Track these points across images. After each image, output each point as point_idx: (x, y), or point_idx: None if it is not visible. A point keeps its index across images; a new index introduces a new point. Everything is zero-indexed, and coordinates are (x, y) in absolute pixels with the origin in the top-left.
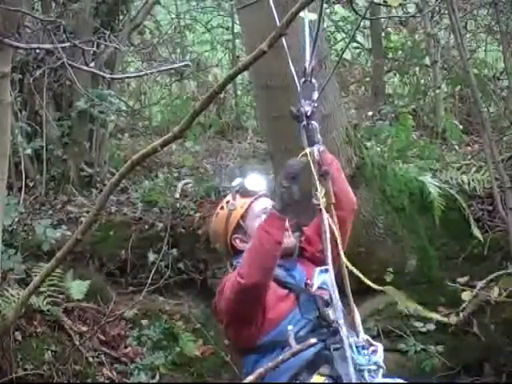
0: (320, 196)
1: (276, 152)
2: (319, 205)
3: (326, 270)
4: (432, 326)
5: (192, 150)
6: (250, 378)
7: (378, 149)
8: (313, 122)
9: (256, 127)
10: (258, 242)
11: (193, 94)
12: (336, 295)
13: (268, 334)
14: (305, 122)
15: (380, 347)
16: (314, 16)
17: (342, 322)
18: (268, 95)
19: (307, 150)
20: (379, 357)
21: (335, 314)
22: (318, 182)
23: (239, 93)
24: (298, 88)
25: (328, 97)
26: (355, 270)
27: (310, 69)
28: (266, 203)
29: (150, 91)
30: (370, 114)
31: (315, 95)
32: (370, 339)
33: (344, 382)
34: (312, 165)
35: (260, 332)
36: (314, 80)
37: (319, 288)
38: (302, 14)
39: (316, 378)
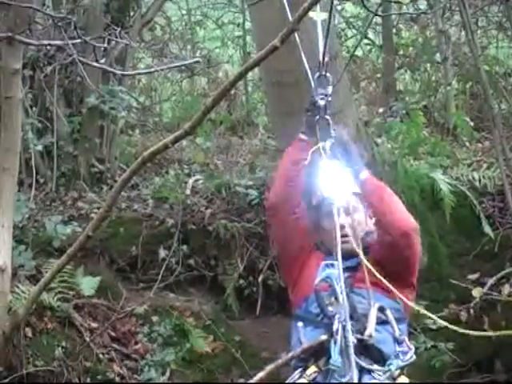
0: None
1: (285, 147)
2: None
3: (332, 265)
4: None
5: (203, 147)
6: (260, 375)
7: (389, 145)
8: (326, 116)
9: (266, 123)
10: (280, 162)
11: (203, 90)
12: (341, 289)
13: (300, 306)
14: (318, 116)
15: (412, 350)
16: (324, 15)
17: (338, 316)
18: (278, 92)
19: (320, 145)
20: (408, 358)
21: (337, 308)
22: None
23: (250, 89)
24: (312, 82)
25: (338, 93)
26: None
27: (324, 62)
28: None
29: (161, 87)
30: (381, 110)
31: (329, 89)
32: (406, 339)
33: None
34: (324, 160)
35: (296, 295)
36: (328, 74)
37: (322, 281)
38: (311, 13)
39: (311, 369)
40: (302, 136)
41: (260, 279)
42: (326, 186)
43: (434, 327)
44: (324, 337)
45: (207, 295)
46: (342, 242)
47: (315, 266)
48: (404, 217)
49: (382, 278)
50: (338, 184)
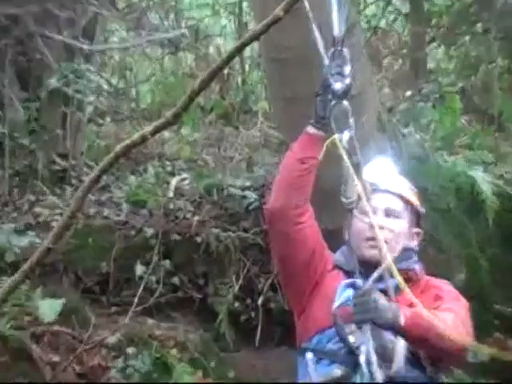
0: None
1: (290, 139)
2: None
3: (352, 285)
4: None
5: (189, 139)
6: None
7: (418, 136)
8: (344, 101)
9: (267, 110)
10: (283, 161)
11: (190, 69)
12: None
13: (311, 338)
14: (333, 102)
15: None
16: None
17: (364, 348)
18: (282, 71)
19: (336, 137)
20: None
21: (359, 338)
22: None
23: (247, 68)
24: (325, 60)
25: (356, 73)
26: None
27: (340, 36)
28: (377, 202)
29: (138, 66)
30: (408, 93)
31: (347, 68)
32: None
33: None
34: (343, 155)
35: (305, 324)
36: (345, 49)
37: (341, 305)
38: None
39: None
40: (310, 129)
41: (260, 302)
42: (366, 183)
43: (473, 360)
44: (339, 371)
45: (195, 321)
46: (372, 247)
47: (332, 289)
48: (454, 351)
49: (418, 303)
50: (382, 180)
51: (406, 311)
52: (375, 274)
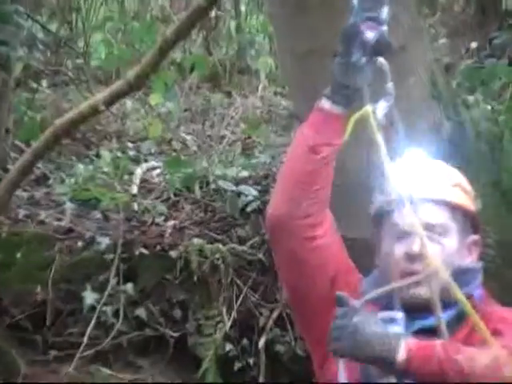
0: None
1: (306, 111)
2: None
3: (392, 320)
4: None
5: (161, 111)
6: None
7: (489, 107)
8: (380, 58)
9: (273, 70)
10: (290, 147)
11: (162, 10)
12: None
13: None
14: (364, 59)
15: None
16: None
17: None
18: (294, 13)
19: (368, 107)
20: None
21: None
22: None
23: (243, 10)
24: None
25: (398, 18)
26: None
27: None
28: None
29: (87, 7)
30: (474, 45)
31: (384, 11)
32: None
33: None
34: (378, 134)
35: (327, 380)
36: None
37: None
38: None
39: None
40: (324, 103)
41: (261, 343)
42: (396, 183)
43: None
44: None
45: (169, 370)
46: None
47: None
48: None
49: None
50: (416, 184)
51: (410, 342)
52: (373, 294)
